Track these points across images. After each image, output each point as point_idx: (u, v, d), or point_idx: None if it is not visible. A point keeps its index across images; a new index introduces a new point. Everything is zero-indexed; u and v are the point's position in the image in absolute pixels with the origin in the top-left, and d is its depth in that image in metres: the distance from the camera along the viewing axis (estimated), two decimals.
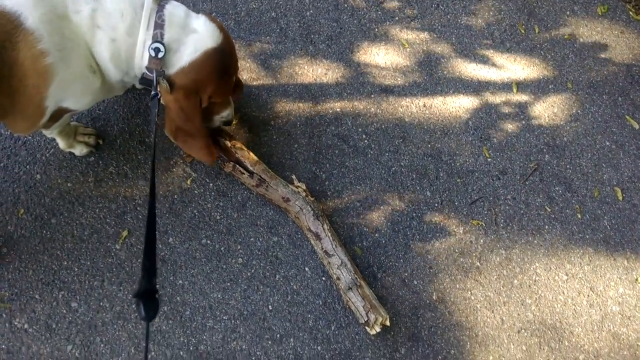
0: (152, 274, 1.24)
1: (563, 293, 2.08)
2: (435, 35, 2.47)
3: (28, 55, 1.29)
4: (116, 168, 2.01)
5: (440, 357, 1.91)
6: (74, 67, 1.41)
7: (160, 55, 1.46)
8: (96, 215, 1.93)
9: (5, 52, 1.27)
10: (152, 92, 1.52)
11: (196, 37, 1.53)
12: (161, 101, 1.56)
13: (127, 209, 1.95)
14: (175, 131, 1.70)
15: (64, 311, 1.77)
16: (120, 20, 1.40)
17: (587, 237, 2.19)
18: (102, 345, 1.75)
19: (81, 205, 1.93)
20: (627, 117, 2.45)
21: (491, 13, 2.56)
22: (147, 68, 1.49)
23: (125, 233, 1.91)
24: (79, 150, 1.97)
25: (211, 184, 2.04)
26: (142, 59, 1.48)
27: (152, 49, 1.45)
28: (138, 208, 1.96)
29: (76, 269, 1.84)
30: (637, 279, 2.14)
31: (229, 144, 2.01)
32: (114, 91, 1.69)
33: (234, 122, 2.14)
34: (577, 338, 2.01)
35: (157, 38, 1.45)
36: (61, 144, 1.92)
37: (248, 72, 2.25)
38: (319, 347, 1.85)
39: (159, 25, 1.45)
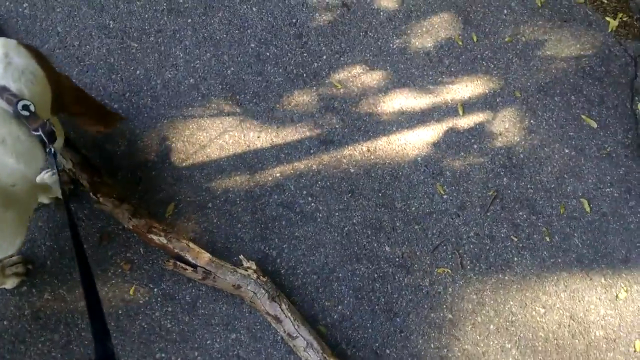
0: (105, 336, 1.13)
1: (543, 329, 1.98)
2: (367, 68, 2.31)
3: None
4: (51, 293, 1.87)
5: None
6: None
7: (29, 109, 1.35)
8: (40, 350, 1.81)
9: None
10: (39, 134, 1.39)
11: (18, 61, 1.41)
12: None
13: (71, 337, 1.82)
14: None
15: None
16: None
17: (560, 260, 2.09)
18: None
19: (22, 343, 1.81)
20: (583, 116, 2.31)
21: (424, 29, 2.39)
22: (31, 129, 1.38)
23: None
24: (11, 284, 1.84)
25: (155, 289, 1.91)
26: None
27: (21, 107, 1.32)
28: (83, 333, 1.83)
29: None
30: (617, 296, 2.05)
31: (164, 240, 1.88)
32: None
33: (168, 214, 2.00)
34: None
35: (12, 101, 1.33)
36: None
37: (176, 153, 2.09)
38: None
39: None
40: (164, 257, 1.93)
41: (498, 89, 2.33)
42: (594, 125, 2.30)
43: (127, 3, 2.28)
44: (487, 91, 2.32)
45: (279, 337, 1.87)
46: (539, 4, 2.49)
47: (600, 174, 2.22)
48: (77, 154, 1.92)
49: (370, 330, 1.93)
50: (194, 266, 1.87)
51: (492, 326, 1.97)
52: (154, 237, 1.88)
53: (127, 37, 2.24)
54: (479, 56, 2.38)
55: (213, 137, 2.13)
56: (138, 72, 2.19)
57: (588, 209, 2.17)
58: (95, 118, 1.78)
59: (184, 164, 2.09)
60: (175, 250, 1.88)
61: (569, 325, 2.00)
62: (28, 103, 1.34)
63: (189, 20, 2.29)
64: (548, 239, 2.11)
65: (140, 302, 1.89)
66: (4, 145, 1.32)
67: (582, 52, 2.43)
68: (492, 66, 2.36)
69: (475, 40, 2.40)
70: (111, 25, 2.25)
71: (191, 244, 1.91)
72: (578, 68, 2.40)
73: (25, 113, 1.33)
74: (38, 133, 1.38)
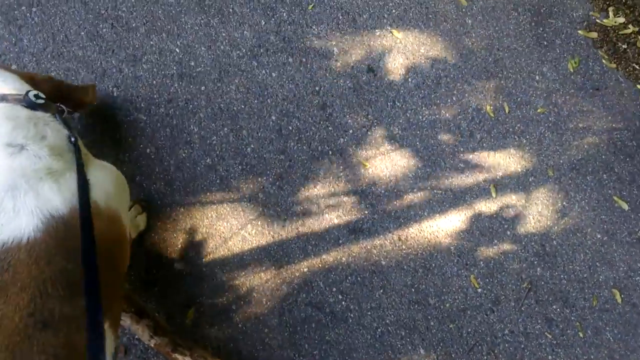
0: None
1: None
2: (396, 144, 2.15)
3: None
4: None
5: None
6: None
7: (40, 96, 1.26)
8: None
9: None
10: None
11: None
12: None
13: None
14: None
15: None
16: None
17: (592, 357, 2.04)
18: None
19: None
20: (615, 197, 2.24)
21: (454, 98, 2.24)
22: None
23: None
24: (143, 224, 1.87)
25: None
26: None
27: (33, 97, 1.23)
28: None
29: None
30: None
31: (189, 359, 1.72)
32: None
33: (188, 319, 1.83)
34: None
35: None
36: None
37: (194, 247, 1.90)
38: None
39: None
40: None
41: (531, 167, 2.22)
42: (625, 207, 2.23)
43: (131, 67, 2.02)
44: (519, 169, 2.21)
45: None
46: (571, 69, 2.37)
47: (631, 261, 2.17)
48: None
49: None
50: None
51: None
52: (179, 357, 1.71)
53: (134, 108, 2.00)
54: (510, 130, 2.25)
55: (234, 227, 1.95)
56: (148, 150, 1.97)
57: (619, 300, 2.12)
58: (76, 97, 1.63)
59: (204, 260, 1.90)
60: None
61: None
62: (36, 92, 1.25)
63: (203, 88, 2.05)
64: (581, 335, 2.06)
65: None
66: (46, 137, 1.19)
67: (613, 125, 2.34)
68: (525, 141, 2.24)
69: (507, 111, 2.26)
70: (115, 94, 1.99)
71: None
72: (610, 143, 2.31)
73: (41, 101, 1.24)
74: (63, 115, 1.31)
